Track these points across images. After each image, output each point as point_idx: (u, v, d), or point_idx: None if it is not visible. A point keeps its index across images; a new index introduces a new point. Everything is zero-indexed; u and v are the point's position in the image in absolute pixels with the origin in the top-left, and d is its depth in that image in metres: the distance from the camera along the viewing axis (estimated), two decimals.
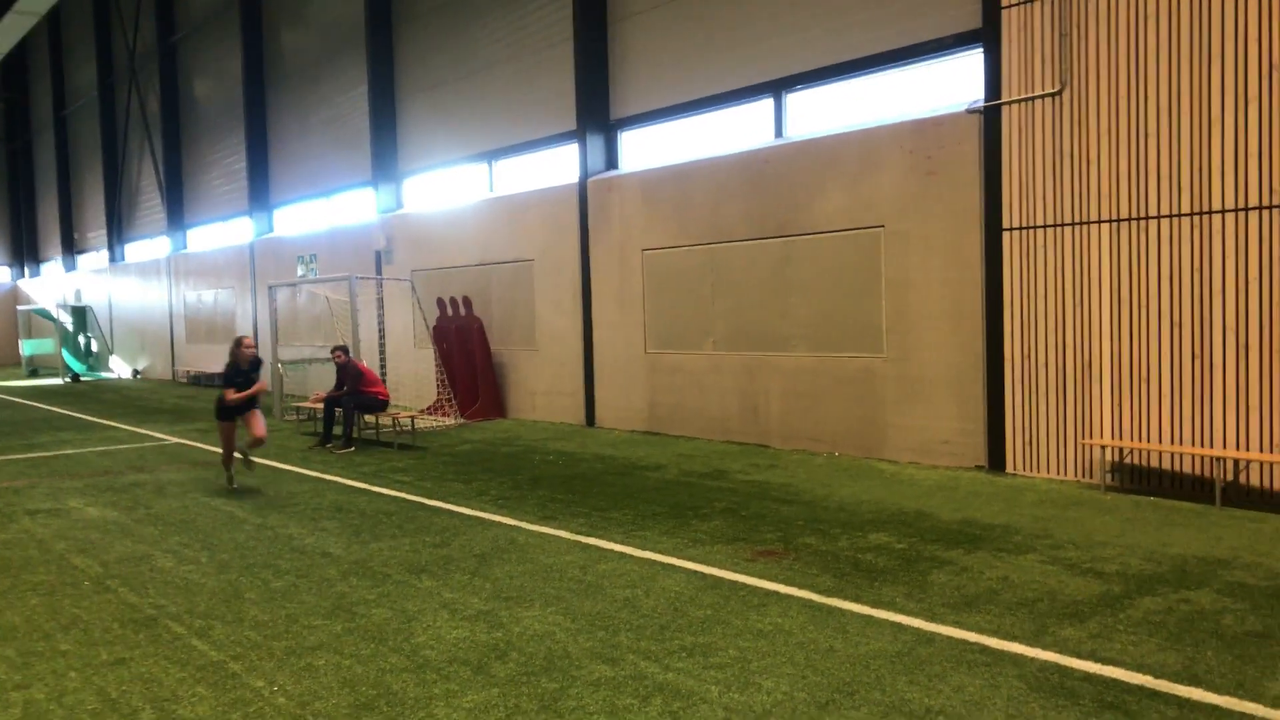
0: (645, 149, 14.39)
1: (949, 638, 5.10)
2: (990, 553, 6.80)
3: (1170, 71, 8.60)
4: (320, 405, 13.64)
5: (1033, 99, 9.52)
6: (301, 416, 15.98)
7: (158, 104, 28.64)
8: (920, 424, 10.58)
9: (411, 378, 17.75)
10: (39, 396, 23.85)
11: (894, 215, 10.73)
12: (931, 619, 5.40)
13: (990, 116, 9.85)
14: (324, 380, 16.89)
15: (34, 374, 33.66)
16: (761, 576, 6.32)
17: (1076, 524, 7.61)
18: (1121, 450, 9.02)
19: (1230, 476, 8.34)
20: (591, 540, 7.44)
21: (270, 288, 18.10)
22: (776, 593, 5.97)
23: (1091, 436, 9.25)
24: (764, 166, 12.09)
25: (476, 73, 17.09)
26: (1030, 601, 5.68)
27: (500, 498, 9.26)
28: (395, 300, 18.30)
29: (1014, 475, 9.74)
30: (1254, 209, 8.16)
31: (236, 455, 10.18)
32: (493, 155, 17.05)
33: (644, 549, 7.14)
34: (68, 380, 29.68)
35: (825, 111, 11.96)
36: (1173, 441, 8.71)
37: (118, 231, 32.54)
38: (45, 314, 33.08)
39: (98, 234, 34.42)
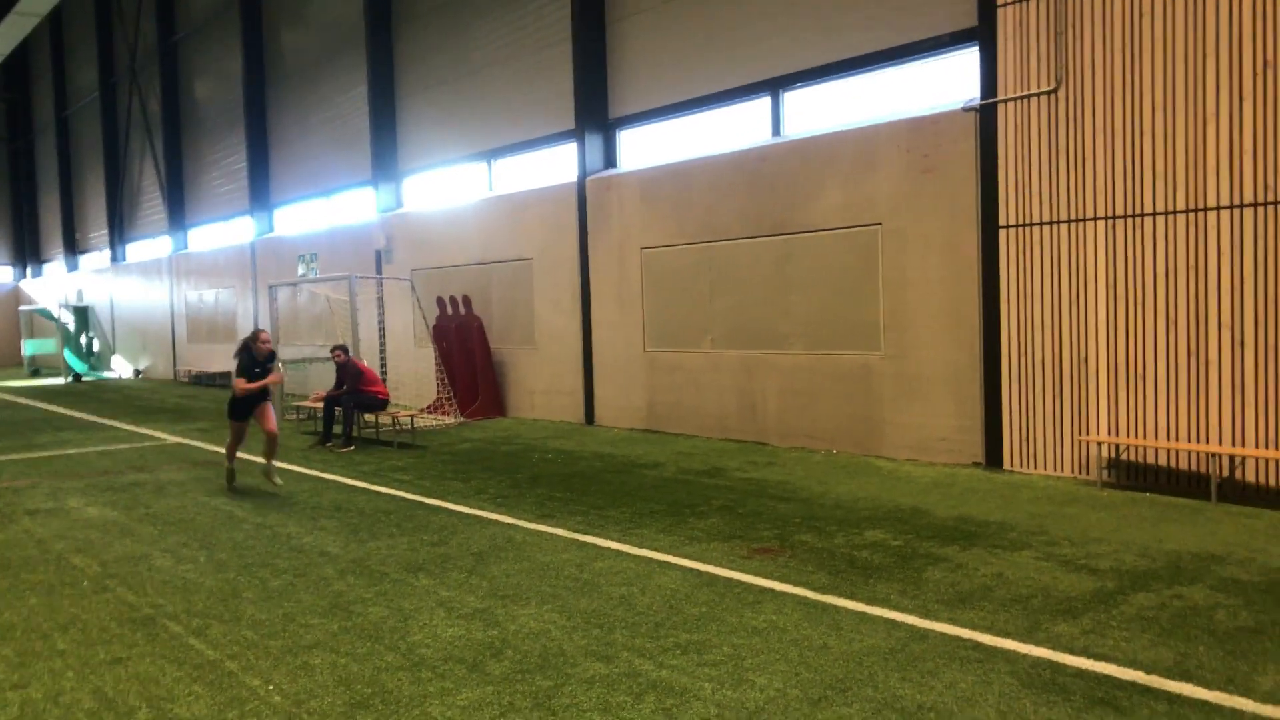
0: (644, 148, 14.41)
1: (942, 634, 5.12)
2: (985, 549, 6.82)
3: (1165, 69, 8.61)
4: (320, 404, 13.67)
5: (1028, 97, 9.53)
6: (301, 416, 16.01)
7: (158, 104, 28.69)
8: (918, 421, 10.60)
9: (412, 377, 17.78)
10: (40, 396, 23.91)
11: (891, 213, 10.74)
12: (925, 615, 5.42)
13: (986, 114, 9.86)
14: (324, 379, 16.93)
15: (36, 374, 33.73)
16: (757, 574, 6.34)
17: (1072, 520, 7.63)
18: (1118, 447, 9.04)
19: (1226, 472, 8.36)
20: (589, 538, 7.47)
21: (271, 287, 18.13)
22: (771, 590, 5.99)
23: (1088, 433, 9.26)
24: (761, 165, 12.10)
25: (476, 72, 17.11)
26: (1024, 598, 5.70)
27: (499, 496, 9.29)
28: (395, 299, 18.33)
29: (1011, 472, 9.75)
30: (1249, 206, 8.17)
31: (261, 464, 10.04)
32: (492, 154, 17.07)
33: (641, 547, 7.16)
34: (69, 380, 29.74)
35: (822, 110, 11.98)
36: (1169, 438, 8.73)
37: (119, 231, 32.60)
38: (47, 314, 33.14)
39: (99, 234, 34.48)
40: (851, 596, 5.81)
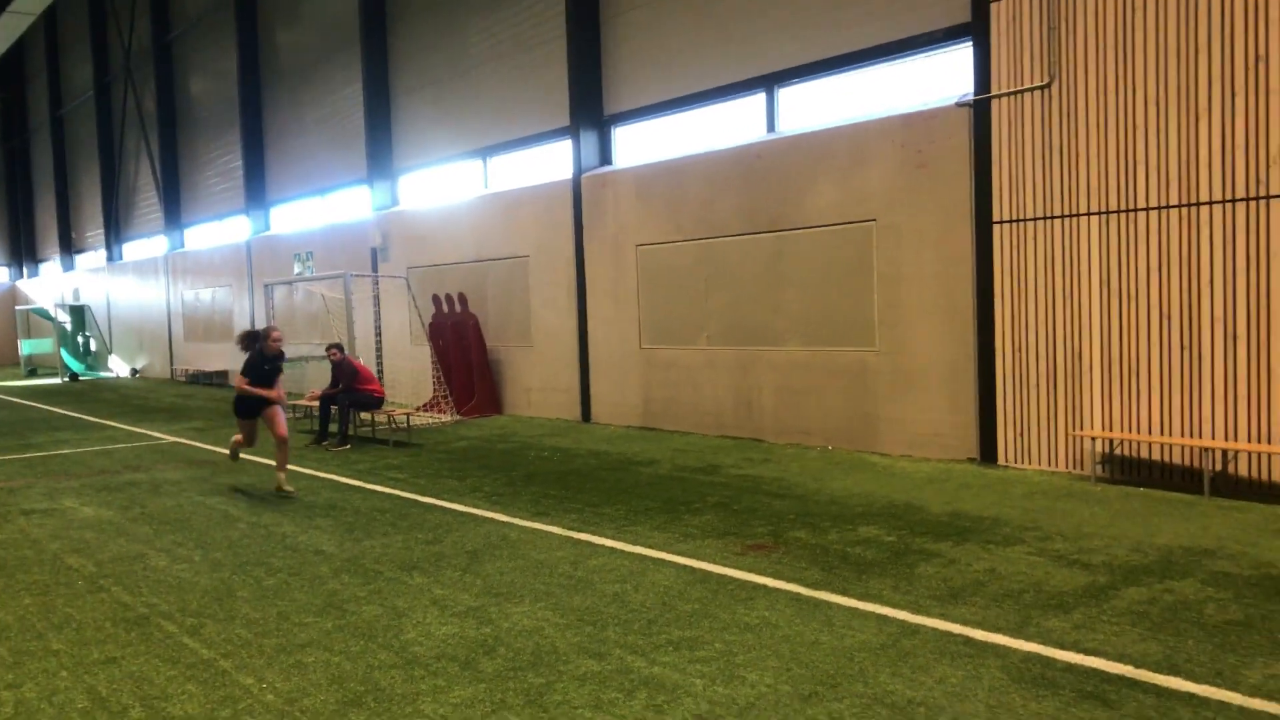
0: (639, 144, 14.41)
1: (933, 629, 5.14)
2: (978, 545, 6.84)
3: (1157, 63, 8.62)
4: (316, 403, 13.67)
5: (1021, 92, 9.54)
6: (297, 415, 16.02)
7: (154, 103, 28.66)
8: (912, 417, 10.62)
9: (408, 375, 17.78)
10: (37, 396, 23.90)
11: (885, 209, 10.75)
12: (917, 611, 5.44)
13: (980, 110, 9.87)
14: (320, 378, 16.92)
15: (33, 374, 33.71)
16: (750, 570, 6.36)
17: (1066, 515, 7.66)
18: (1111, 442, 9.06)
19: (1219, 467, 8.38)
20: (583, 536, 7.49)
21: (266, 286, 18.13)
22: (764, 586, 6.01)
23: (1082, 428, 9.28)
24: (756, 161, 12.11)
25: (471, 70, 17.10)
26: (1016, 593, 5.72)
27: (494, 494, 9.30)
28: (391, 297, 18.33)
29: (1005, 467, 9.78)
30: (1241, 200, 8.19)
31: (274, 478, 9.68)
32: (487, 152, 17.06)
33: (635, 544, 7.18)
34: (66, 380, 29.72)
35: (817, 106, 11.98)
36: (1162, 432, 8.75)
37: (115, 231, 32.57)
38: (43, 313, 33.12)
39: (95, 233, 34.44)
40: (844, 592, 5.83)
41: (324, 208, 22.10)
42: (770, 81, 12.34)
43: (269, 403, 9.62)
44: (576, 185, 14.71)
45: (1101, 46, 8.97)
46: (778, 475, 9.80)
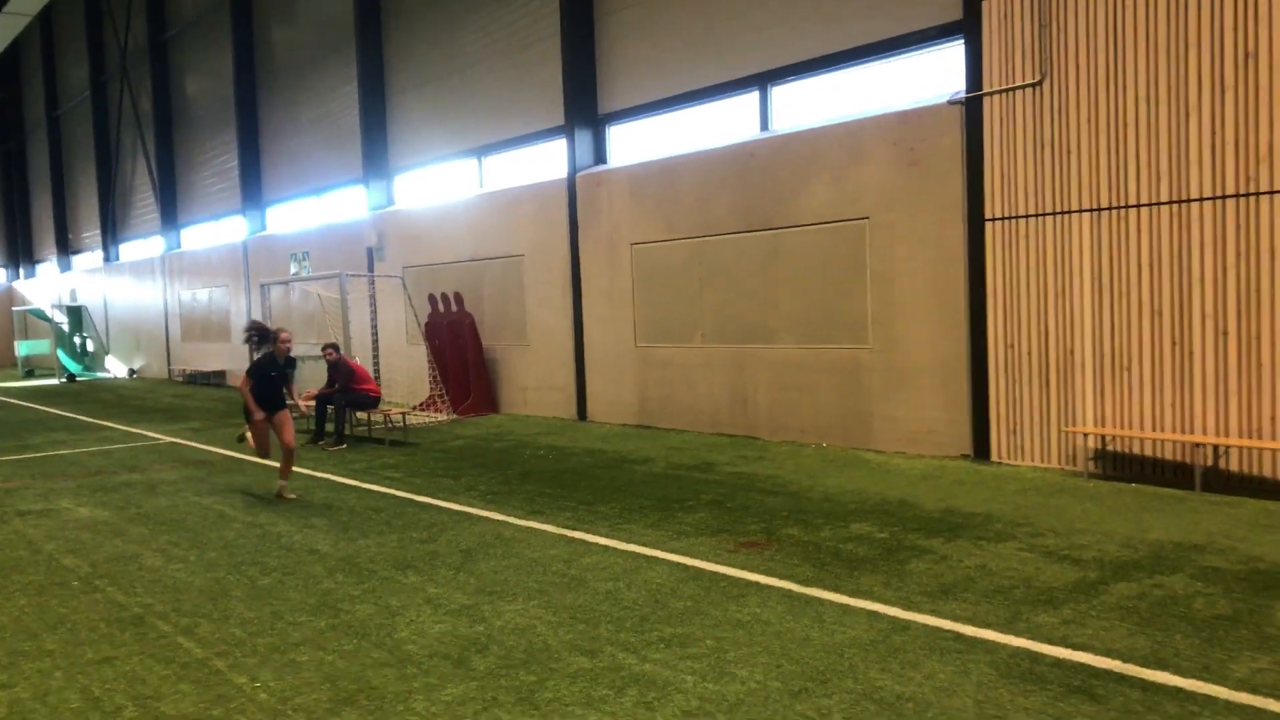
0: (633, 143, 14.43)
1: (924, 625, 5.17)
2: (970, 541, 6.87)
3: (1148, 60, 8.65)
4: (312, 403, 13.69)
5: (1013, 90, 9.57)
6: (294, 415, 16.00)
7: (150, 103, 28.65)
8: (906, 414, 10.65)
9: (404, 374, 17.80)
10: (34, 397, 23.90)
11: (879, 207, 10.78)
12: (908, 607, 5.47)
13: (972, 107, 9.90)
14: (316, 378, 16.93)
15: (30, 375, 33.71)
16: (743, 567, 6.39)
17: (1058, 511, 7.69)
18: (1104, 438, 9.09)
19: (1210, 462, 8.42)
20: (577, 534, 7.51)
21: (263, 286, 18.14)
22: (756, 583, 6.03)
23: (1074, 424, 9.32)
24: (750, 160, 12.13)
25: (465, 69, 17.11)
26: (1006, 589, 5.75)
27: (489, 493, 9.33)
28: (387, 297, 18.34)
29: (998, 464, 9.81)
30: (1231, 197, 8.22)
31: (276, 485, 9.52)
32: (482, 151, 17.08)
33: (629, 542, 7.20)
34: (63, 380, 29.73)
35: (811, 104, 12.00)
36: (1154, 428, 8.78)
37: (112, 231, 32.57)
38: (40, 314, 33.12)
39: (92, 234, 34.44)
40: (836, 589, 5.86)
41: (320, 207, 22.11)
42: (764, 80, 12.37)
43: (281, 408, 9.38)
44: (571, 184, 14.73)
45: (1092, 43, 8.99)
46: (772, 473, 9.83)
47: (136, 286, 30.74)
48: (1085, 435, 9.09)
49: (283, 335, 9.52)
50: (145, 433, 15.33)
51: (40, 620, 5.81)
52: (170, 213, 28.64)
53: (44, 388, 27.50)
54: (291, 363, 9.64)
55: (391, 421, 14.39)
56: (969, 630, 5.07)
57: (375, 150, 19.34)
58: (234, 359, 24.89)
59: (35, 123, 38.66)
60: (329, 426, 13.46)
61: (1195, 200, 8.43)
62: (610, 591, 5.98)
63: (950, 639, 4.96)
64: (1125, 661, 4.56)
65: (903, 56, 10.97)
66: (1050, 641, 4.86)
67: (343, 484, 10.15)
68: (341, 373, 13.32)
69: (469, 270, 16.91)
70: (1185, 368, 8.57)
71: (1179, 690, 4.22)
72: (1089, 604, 5.42)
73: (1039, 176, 9.43)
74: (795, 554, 6.69)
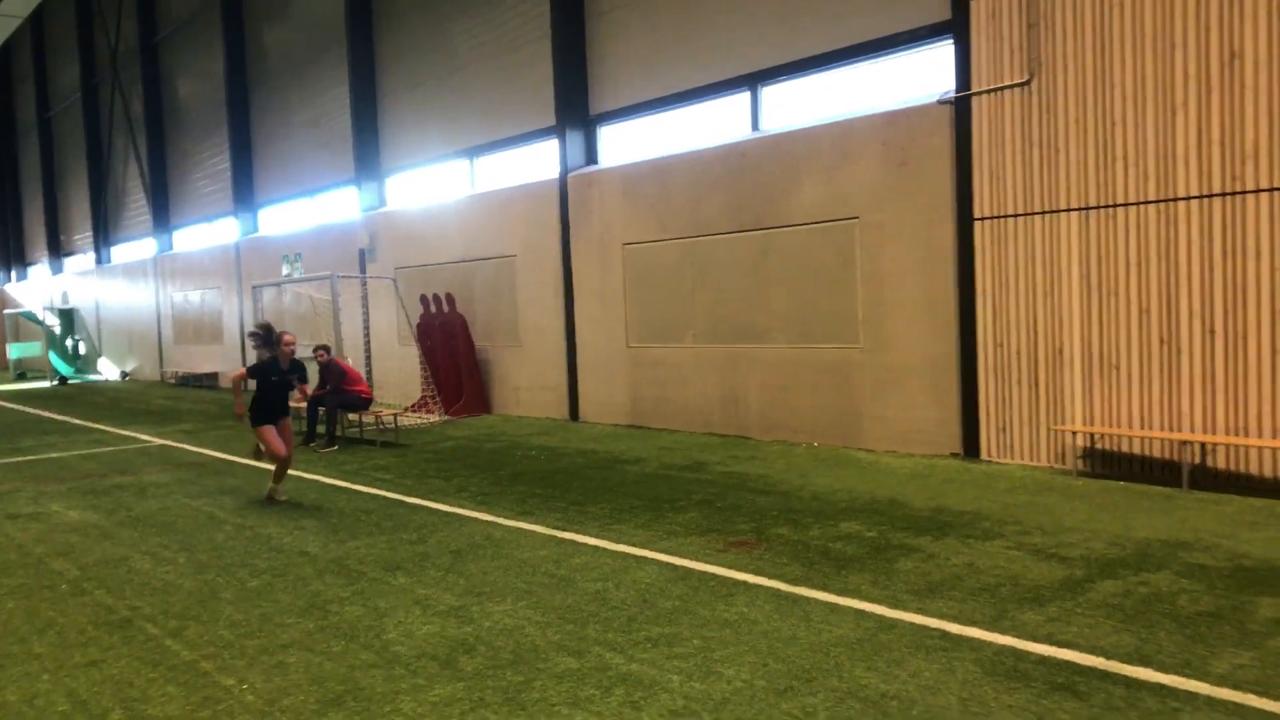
0: (625, 144, 14.45)
1: (910, 624, 5.19)
2: (958, 539, 6.89)
3: (1135, 60, 8.69)
4: (303, 405, 13.68)
5: (1002, 89, 9.60)
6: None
7: (141, 105, 28.60)
8: (896, 413, 10.68)
9: (397, 375, 17.80)
10: (26, 400, 23.84)
11: (869, 206, 10.80)
12: (894, 606, 5.49)
13: (961, 107, 9.93)
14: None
15: (21, 377, 33.62)
16: (732, 567, 6.40)
17: (1046, 510, 7.72)
18: (1092, 436, 9.13)
19: (1197, 459, 8.46)
20: (567, 535, 7.52)
21: (255, 288, 18.13)
22: (745, 582, 6.05)
23: (1063, 423, 9.35)
24: (741, 160, 12.15)
25: (457, 70, 17.11)
26: (993, 587, 5.77)
27: (480, 494, 9.33)
28: (380, 298, 18.34)
29: (988, 462, 9.84)
30: (1218, 195, 8.25)
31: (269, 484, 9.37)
32: (474, 152, 17.08)
33: (619, 542, 7.22)
34: (55, 383, 29.65)
35: (801, 104, 12.03)
36: (1142, 426, 8.82)
37: (104, 233, 32.50)
38: (31, 316, 33.03)
39: (84, 236, 34.36)
40: (824, 588, 5.88)
41: (313, 209, 22.09)
42: (754, 80, 12.39)
43: (284, 415, 9.21)
44: (563, 185, 14.74)
45: (1080, 43, 9.03)
46: (763, 472, 9.85)
47: (129, 288, 30.68)
48: (1074, 433, 9.12)
49: (286, 338, 9.27)
50: (137, 435, 15.31)
51: (28, 623, 5.81)
52: (162, 214, 28.60)
53: (36, 390, 27.43)
54: (297, 366, 9.37)
55: (383, 423, 14.39)
56: (955, 628, 5.09)
57: (367, 151, 19.34)
58: (226, 361, 24.86)
59: (26, 125, 38.56)
60: (320, 428, 13.45)
61: (1182, 199, 8.46)
62: (599, 592, 5.99)
63: (936, 637, 4.98)
64: (1109, 658, 4.59)
65: (892, 56, 11.00)
66: (1035, 639, 4.88)
67: (333, 486, 10.15)
68: (333, 374, 13.31)
69: (461, 271, 16.91)
70: (1173, 366, 8.60)
71: (1161, 686, 4.25)
72: (1075, 602, 5.44)
73: (1027, 176, 9.46)
74: (784, 553, 6.71)
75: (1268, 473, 8.10)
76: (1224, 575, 5.82)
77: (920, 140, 10.29)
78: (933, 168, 10.20)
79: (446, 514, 8.49)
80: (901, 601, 5.56)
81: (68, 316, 33.07)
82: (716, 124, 13.05)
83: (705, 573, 6.32)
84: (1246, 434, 8.18)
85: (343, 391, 13.27)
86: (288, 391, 9.30)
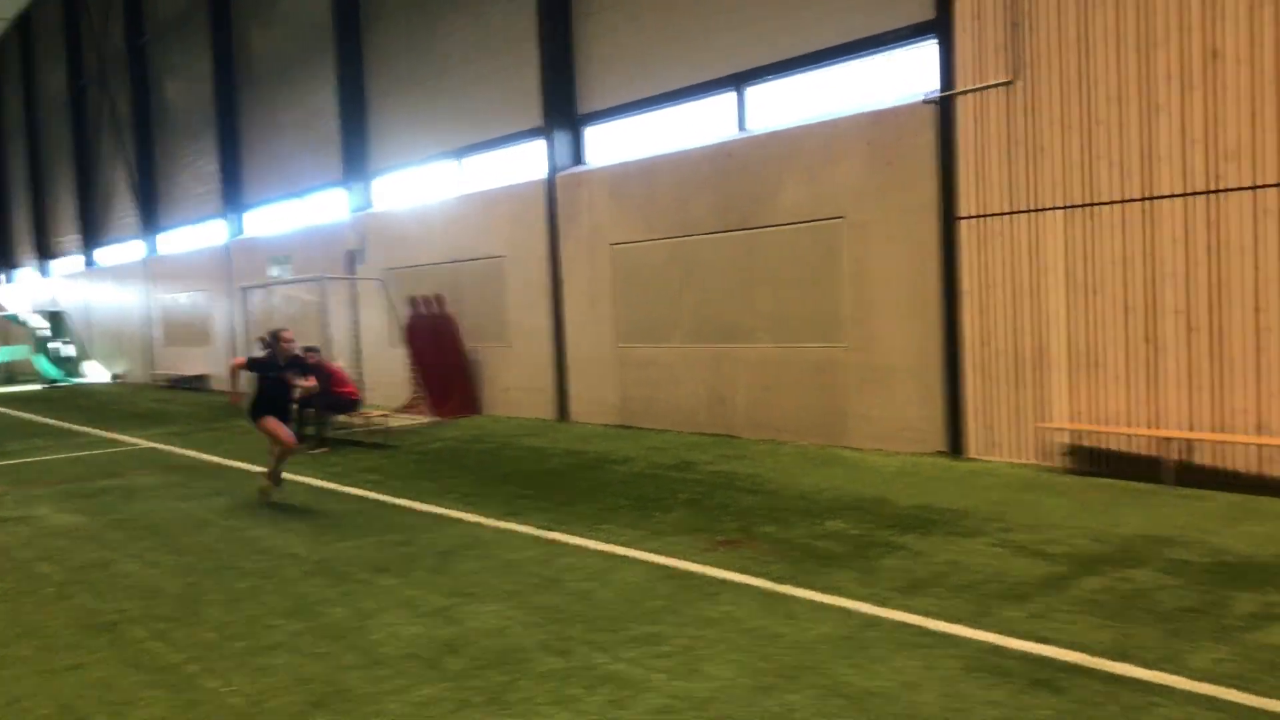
0: (612, 144, 14.46)
1: (893, 621, 5.22)
2: (942, 537, 6.93)
3: (1117, 59, 8.74)
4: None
5: (985, 88, 9.64)
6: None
7: (129, 106, 28.50)
8: (882, 412, 10.72)
9: (386, 377, 17.78)
10: (13, 403, 23.74)
11: (854, 206, 10.85)
12: (879, 603, 5.52)
13: (945, 107, 9.97)
14: None
15: (9, 381, 33.46)
16: (718, 566, 6.43)
17: (1030, 507, 7.77)
18: (1077, 433, 9.18)
19: (1180, 456, 8.51)
20: (554, 535, 7.54)
21: (243, 289, 18.09)
22: (730, 581, 6.08)
23: (1047, 420, 9.40)
24: (728, 160, 12.18)
25: (444, 71, 17.10)
26: (976, 584, 5.81)
27: (468, 495, 9.34)
28: (369, 299, 18.32)
29: (973, 460, 9.89)
30: (1199, 194, 8.31)
31: (266, 481, 9.26)
32: (462, 152, 17.08)
33: (606, 542, 7.24)
34: (44, 386, 29.53)
35: (787, 104, 12.06)
36: (1125, 423, 8.88)
37: (92, 235, 32.36)
38: (15, 319, 32.89)
39: (72, 238, 34.21)
40: (808, 586, 5.91)
41: (302, 210, 22.05)
42: (740, 80, 12.42)
43: (286, 413, 9.16)
44: (551, 185, 14.75)
45: (1063, 42, 9.08)
46: (751, 471, 9.88)
47: (118, 291, 30.56)
48: (1058, 431, 9.17)
49: (285, 335, 9.33)
50: (125, 438, 15.27)
51: (13, 627, 5.80)
52: (151, 216, 28.49)
53: (23, 393, 27.31)
54: (296, 362, 9.36)
55: (372, 424, 14.38)
56: (937, 625, 5.13)
57: (355, 152, 19.31)
58: (216, 363, 24.79)
59: (13, 127, 38.38)
60: (309, 429, 13.42)
61: (1164, 197, 8.52)
62: (585, 592, 6.01)
63: (919, 634, 5.02)
64: (1089, 654, 4.63)
65: (877, 55, 11.04)
66: (1016, 635, 4.92)
67: (322, 488, 10.14)
68: (321, 376, 13.26)
69: (450, 272, 16.91)
70: (1156, 363, 8.66)
71: (1139, 681, 4.29)
72: (1057, 598, 5.49)
73: (1011, 175, 9.51)
74: (770, 552, 6.74)
75: (1249, 468, 8.16)
76: (1205, 571, 5.87)
77: (905, 140, 10.34)
78: (917, 167, 10.24)
79: (434, 515, 8.50)
80: (885, 599, 5.59)
81: (56, 319, 32.93)
82: (703, 124, 13.08)
83: (691, 572, 6.34)
84: (1228, 430, 8.24)
85: (331, 393, 13.25)
86: (287, 389, 9.24)
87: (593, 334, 14.30)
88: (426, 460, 11.69)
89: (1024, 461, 9.60)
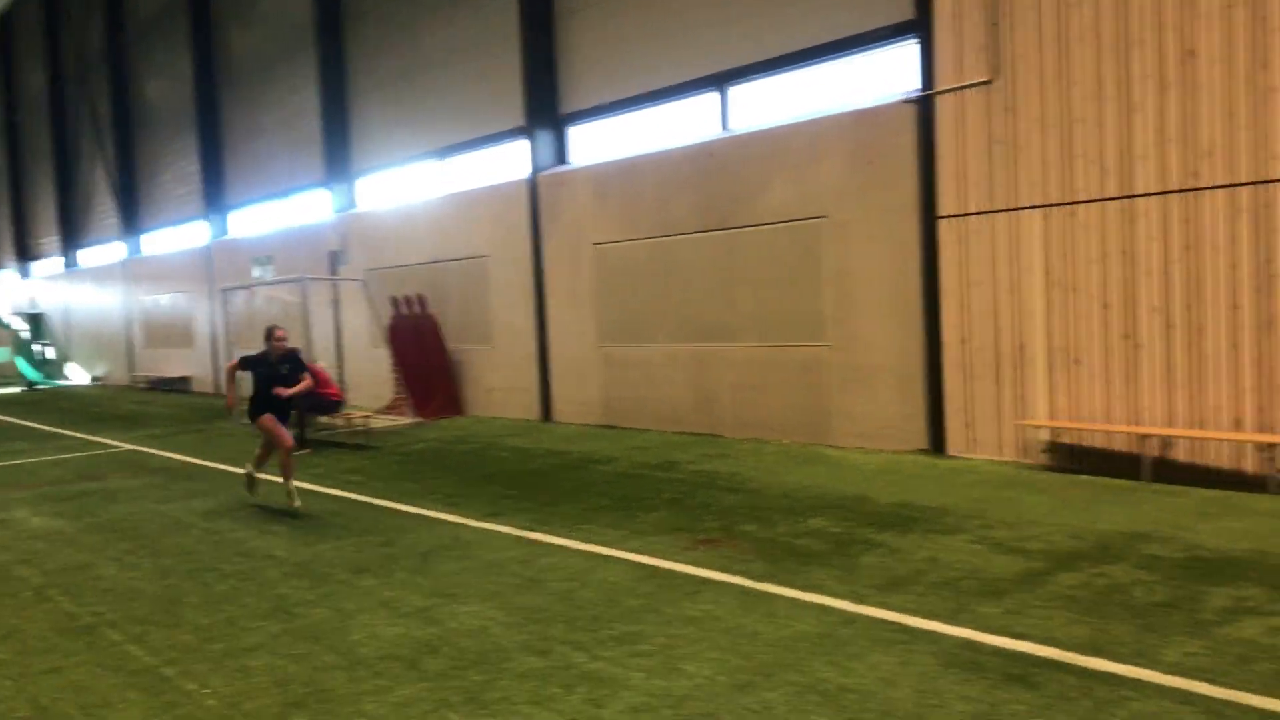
0: (595, 144, 14.46)
1: (871, 618, 5.25)
2: (922, 534, 6.97)
3: (1094, 58, 8.81)
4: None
5: (965, 88, 9.70)
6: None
7: (109, 107, 28.29)
8: (864, 410, 10.77)
9: (369, 378, 17.73)
10: None
11: (835, 205, 10.89)
12: (857, 601, 5.55)
13: (925, 106, 10.02)
14: None
15: None
16: (698, 565, 6.45)
17: (1009, 504, 7.82)
18: (1056, 430, 9.24)
19: (1158, 453, 8.59)
20: (536, 535, 7.54)
21: (224, 291, 18.00)
22: (711, 580, 6.10)
23: (1027, 417, 9.46)
24: (710, 160, 12.21)
25: (426, 70, 17.06)
26: (954, 581, 5.85)
27: (450, 496, 9.33)
28: (351, 300, 18.26)
29: (954, 458, 9.95)
30: (1175, 192, 8.39)
31: (269, 478, 9.12)
32: (444, 153, 17.04)
33: (587, 542, 7.24)
34: (24, 389, 29.30)
35: (769, 104, 12.10)
36: (1104, 420, 8.94)
37: (72, 237, 32.12)
38: None
39: (52, 240, 33.94)
40: (788, 584, 5.93)
41: (285, 210, 21.95)
42: (722, 80, 12.45)
43: (282, 412, 9.07)
44: (533, 185, 14.74)
45: (1041, 42, 9.14)
46: (733, 470, 9.91)
47: (98, 292, 30.35)
48: (1038, 428, 9.23)
49: (278, 332, 9.22)
50: (105, 440, 15.16)
51: None
52: (131, 217, 28.30)
53: (3, 396, 27.07)
54: (289, 358, 9.25)
55: (354, 425, 14.33)
56: (914, 622, 5.16)
57: (337, 153, 19.24)
58: (198, 365, 24.66)
59: None
60: (292, 430, 13.35)
61: (1141, 196, 8.59)
62: (565, 591, 6.02)
63: (896, 631, 5.05)
64: (1064, 649, 4.67)
65: (858, 55, 11.09)
66: (992, 631, 4.96)
67: (303, 489, 10.09)
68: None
69: (433, 272, 16.87)
70: (1134, 360, 8.73)
71: (1112, 676, 4.33)
72: (1033, 594, 5.53)
73: (991, 174, 9.57)
74: (750, 550, 6.76)
75: (1225, 464, 8.24)
76: (1179, 566, 5.92)
77: (886, 139, 10.38)
78: (898, 166, 10.29)
79: (416, 516, 8.48)
80: (864, 596, 5.62)
81: (36, 321, 32.67)
82: (686, 123, 13.10)
83: (672, 571, 6.36)
84: (1205, 426, 8.32)
85: (313, 394, 13.18)
86: (282, 386, 9.07)
87: (576, 334, 14.30)
88: (409, 461, 11.66)
89: (1004, 459, 9.66)
